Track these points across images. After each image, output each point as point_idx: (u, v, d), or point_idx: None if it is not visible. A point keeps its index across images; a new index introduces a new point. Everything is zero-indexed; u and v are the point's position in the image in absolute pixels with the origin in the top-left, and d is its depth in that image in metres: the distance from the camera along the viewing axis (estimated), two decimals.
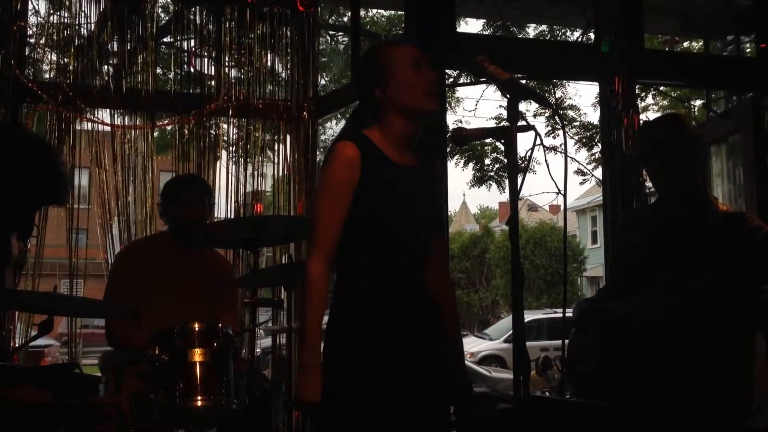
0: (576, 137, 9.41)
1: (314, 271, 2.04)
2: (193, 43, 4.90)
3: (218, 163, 4.81)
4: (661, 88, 8.30)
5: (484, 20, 7.57)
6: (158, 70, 5.20)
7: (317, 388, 1.97)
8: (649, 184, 4.80)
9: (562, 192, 1.88)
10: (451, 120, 9.28)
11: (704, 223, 2.69)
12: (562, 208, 2.07)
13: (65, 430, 2.25)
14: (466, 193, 49.72)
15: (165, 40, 5.66)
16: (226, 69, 4.76)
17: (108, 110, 4.61)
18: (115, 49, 4.68)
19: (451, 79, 7.91)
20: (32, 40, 5.00)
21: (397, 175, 2.14)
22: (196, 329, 2.55)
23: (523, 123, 1.84)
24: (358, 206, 2.07)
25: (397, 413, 2.03)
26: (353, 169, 2.07)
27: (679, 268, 2.62)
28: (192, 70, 4.88)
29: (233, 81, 4.77)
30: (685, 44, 8.20)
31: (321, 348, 2.03)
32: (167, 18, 5.56)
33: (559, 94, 8.84)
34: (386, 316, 2.08)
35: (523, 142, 1.91)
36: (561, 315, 2.47)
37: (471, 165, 9.95)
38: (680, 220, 2.72)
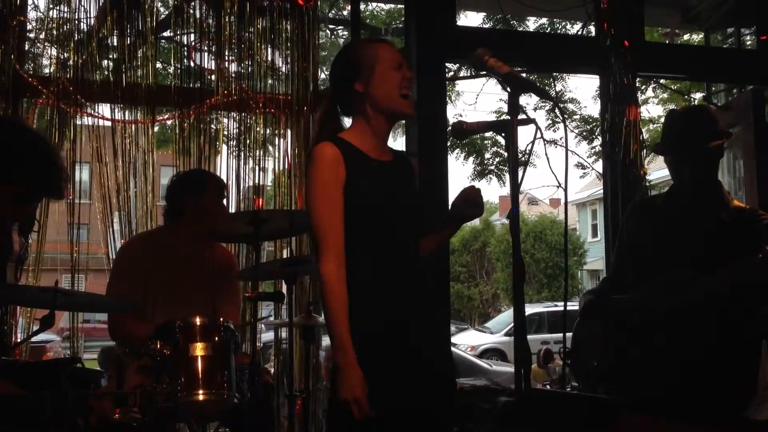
0: (576, 130, 9.40)
1: (328, 274, 2.04)
2: (192, 37, 4.89)
3: (218, 157, 4.80)
4: (662, 80, 8.28)
5: (484, 13, 7.57)
6: (158, 65, 5.18)
7: (357, 384, 1.96)
8: (649, 177, 4.82)
9: (563, 185, 1.88)
10: (452, 113, 9.22)
11: (718, 218, 2.68)
12: (562, 201, 2.08)
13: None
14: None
15: (165, 34, 5.63)
16: (226, 63, 4.75)
17: (108, 105, 4.60)
18: (115, 44, 4.67)
19: (451, 73, 7.89)
20: (32, 35, 4.99)
21: (378, 170, 2.18)
22: (198, 323, 2.56)
23: (524, 116, 1.84)
24: (346, 204, 2.09)
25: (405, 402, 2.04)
26: (338, 166, 2.10)
27: (691, 261, 2.61)
28: (192, 64, 4.86)
29: (233, 75, 4.75)
30: (686, 36, 8.17)
31: (351, 346, 1.99)
32: (167, 12, 5.54)
33: (559, 87, 8.80)
34: (387, 311, 2.09)
35: (524, 135, 1.92)
36: (561, 308, 2.45)
37: (471, 159, 9.94)
38: (695, 213, 2.71)
